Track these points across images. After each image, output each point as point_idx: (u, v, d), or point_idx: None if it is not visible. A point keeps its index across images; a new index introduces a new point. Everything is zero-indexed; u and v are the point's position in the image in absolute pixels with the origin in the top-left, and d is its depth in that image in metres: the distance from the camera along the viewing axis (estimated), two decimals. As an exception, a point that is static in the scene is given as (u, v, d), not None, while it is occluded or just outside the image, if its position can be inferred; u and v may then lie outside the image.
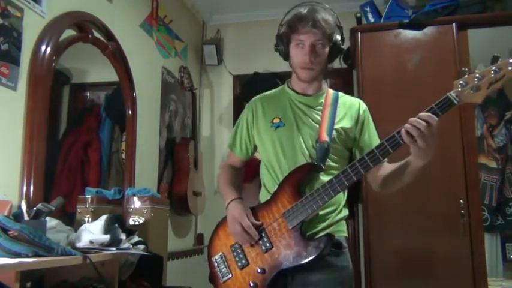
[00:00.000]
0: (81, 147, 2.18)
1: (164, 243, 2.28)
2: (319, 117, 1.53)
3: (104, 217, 1.71)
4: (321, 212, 1.44)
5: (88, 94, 2.36)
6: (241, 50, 3.71)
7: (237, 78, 3.67)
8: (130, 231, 1.85)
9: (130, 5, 2.61)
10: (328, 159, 1.48)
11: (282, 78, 3.31)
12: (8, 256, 1.27)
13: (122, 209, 2.08)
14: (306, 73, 1.52)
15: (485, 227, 2.72)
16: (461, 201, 2.51)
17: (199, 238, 3.40)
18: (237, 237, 1.48)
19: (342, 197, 1.51)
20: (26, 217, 1.48)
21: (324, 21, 1.46)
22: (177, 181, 2.99)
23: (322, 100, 1.57)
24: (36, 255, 1.31)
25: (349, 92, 1.67)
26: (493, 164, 2.96)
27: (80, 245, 1.55)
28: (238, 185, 1.66)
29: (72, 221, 1.85)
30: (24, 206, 1.52)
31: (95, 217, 1.81)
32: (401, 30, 2.77)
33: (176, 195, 2.95)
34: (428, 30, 2.73)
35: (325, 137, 1.47)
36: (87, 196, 1.92)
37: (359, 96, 1.65)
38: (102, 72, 2.39)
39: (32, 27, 1.78)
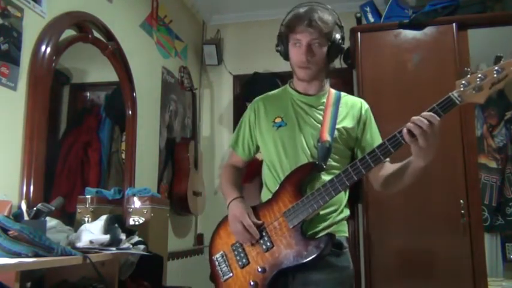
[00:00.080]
0: (81, 147, 2.18)
1: (164, 243, 2.28)
2: (321, 117, 1.53)
3: (104, 217, 1.71)
4: (322, 212, 1.44)
5: (88, 94, 2.35)
6: (241, 50, 3.71)
7: (237, 78, 3.67)
8: (130, 231, 1.84)
9: (130, 5, 2.61)
10: (329, 159, 1.48)
11: (282, 78, 3.32)
12: (8, 256, 1.27)
13: (122, 209, 2.08)
14: (303, 72, 1.53)
15: (485, 227, 2.72)
16: (461, 201, 2.51)
17: (199, 238, 3.40)
18: (238, 236, 1.48)
19: (343, 197, 1.51)
20: (26, 217, 1.48)
21: (320, 21, 1.46)
22: (177, 181, 2.99)
23: (324, 100, 1.57)
24: (36, 255, 1.31)
25: (349, 92, 1.67)
26: (493, 164, 2.96)
27: (80, 245, 1.55)
28: (240, 185, 1.66)
29: (72, 221, 1.85)
30: (24, 206, 1.52)
31: (95, 217, 1.81)
32: (401, 30, 2.77)
33: (176, 195, 2.95)
34: (428, 30, 2.74)
35: (326, 137, 1.47)
36: (87, 196, 1.92)
37: (359, 97, 1.65)
38: (102, 72, 2.39)
39: (32, 27, 1.78)
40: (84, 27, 2.09)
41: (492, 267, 2.81)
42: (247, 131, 1.65)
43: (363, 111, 1.57)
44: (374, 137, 1.54)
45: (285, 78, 3.26)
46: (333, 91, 1.61)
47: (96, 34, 2.20)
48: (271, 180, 1.55)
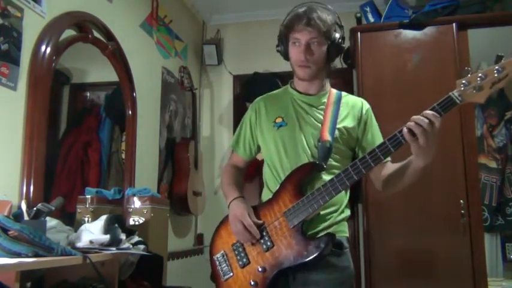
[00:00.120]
0: (81, 147, 2.18)
1: (164, 243, 2.28)
2: (321, 117, 1.53)
3: (104, 217, 1.71)
4: (322, 212, 1.44)
5: (88, 94, 2.35)
6: (241, 50, 3.71)
7: (237, 78, 3.67)
8: (130, 231, 1.84)
9: (130, 5, 2.61)
10: (330, 159, 1.48)
11: (282, 78, 3.32)
12: (8, 256, 1.27)
13: (122, 209, 2.08)
14: (302, 71, 1.53)
15: (485, 227, 2.72)
16: (461, 201, 2.51)
17: (199, 238, 3.40)
18: (238, 236, 1.48)
19: (344, 197, 1.51)
20: (26, 217, 1.48)
21: (319, 20, 1.46)
22: (177, 181, 2.99)
23: (325, 100, 1.57)
24: (36, 255, 1.31)
25: (349, 92, 1.67)
26: (493, 164, 2.96)
27: (80, 245, 1.55)
28: (241, 185, 1.66)
29: (72, 221, 1.85)
30: (24, 206, 1.52)
31: (95, 217, 1.81)
32: (401, 30, 2.77)
33: (176, 195, 2.95)
34: (428, 30, 2.74)
35: (327, 136, 1.47)
36: (87, 196, 1.92)
37: (359, 97, 1.65)
38: (102, 72, 2.39)
39: (32, 27, 1.77)
40: (84, 27, 2.09)
41: (492, 267, 2.81)
42: (248, 131, 1.66)
43: (364, 111, 1.57)
44: (375, 137, 1.54)
45: (285, 78, 3.27)
46: (334, 91, 1.61)
47: (96, 34, 2.20)
48: (271, 180, 1.55)
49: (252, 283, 1.42)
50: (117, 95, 2.44)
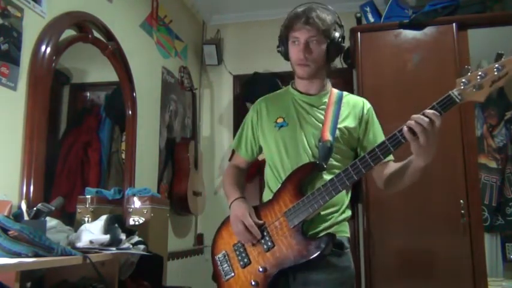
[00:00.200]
0: (81, 147, 2.18)
1: (164, 243, 2.28)
2: (322, 117, 1.53)
3: (104, 217, 1.71)
4: (323, 212, 1.44)
5: (88, 94, 2.35)
6: (241, 50, 3.71)
7: (237, 78, 3.67)
8: (130, 231, 1.84)
9: (130, 5, 2.61)
10: (331, 159, 1.48)
11: (282, 78, 3.32)
12: (8, 256, 1.27)
13: (122, 209, 2.08)
14: (302, 70, 1.53)
15: (485, 227, 2.71)
16: (461, 201, 2.51)
17: (199, 238, 3.40)
18: (239, 236, 1.48)
19: (345, 198, 1.51)
20: (26, 217, 1.47)
21: (318, 18, 1.46)
22: (177, 181, 2.99)
23: (326, 99, 1.57)
24: (36, 255, 1.30)
25: (349, 92, 1.67)
26: (493, 164, 2.96)
27: (80, 245, 1.54)
28: (243, 185, 1.66)
29: (72, 221, 1.85)
30: (24, 206, 1.52)
31: (95, 217, 1.81)
32: (401, 30, 2.77)
33: (176, 195, 2.95)
34: (428, 30, 2.73)
35: (328, 136, 1.47)
36: (87, 196, 1.92)
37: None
38: (102, 72, 2.39)
39: (32, 27, 1.77)
40: (84, 27, 2.09)
41: (492, 267, 2.81)
42: (250, 132, 1.66)
43: (365, 111, 1.57)
44: (377, 136, 1.54)
45: (285, 78, 3.27)
46: (335, 91, 1.61)
47: (96, 34, 2.20)
48: (272, 180, 1.55)
49: (253, 283, 1.42)
50: (117, 95, 2.44)
